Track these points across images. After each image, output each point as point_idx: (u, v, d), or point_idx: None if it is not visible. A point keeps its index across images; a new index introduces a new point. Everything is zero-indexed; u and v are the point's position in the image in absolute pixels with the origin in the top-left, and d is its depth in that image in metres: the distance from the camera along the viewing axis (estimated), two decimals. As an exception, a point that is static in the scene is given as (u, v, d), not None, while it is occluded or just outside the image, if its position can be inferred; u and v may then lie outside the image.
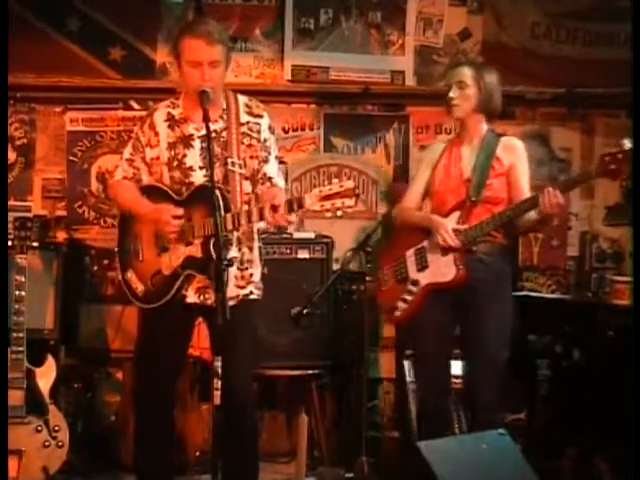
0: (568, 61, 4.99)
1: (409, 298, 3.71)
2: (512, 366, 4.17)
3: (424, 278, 3.68)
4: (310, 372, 4.45)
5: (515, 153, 3.70)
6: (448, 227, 3.59)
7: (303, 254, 4.51)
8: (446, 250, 3.61)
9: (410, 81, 4.97)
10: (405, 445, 4.25)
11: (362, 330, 4.25)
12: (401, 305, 3.73)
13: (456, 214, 3.62)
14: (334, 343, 4.46)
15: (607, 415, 3.90)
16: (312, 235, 4.58)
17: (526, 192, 3.63)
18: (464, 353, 3.74)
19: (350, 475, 4.21)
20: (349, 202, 3.00)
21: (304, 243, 4.52)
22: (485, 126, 3.73)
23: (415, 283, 3.70)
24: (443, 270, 3.62)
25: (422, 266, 3.70)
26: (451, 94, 3.68)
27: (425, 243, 3.69)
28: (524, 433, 4.19)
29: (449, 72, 3.82)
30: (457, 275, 3.59)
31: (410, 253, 3.75)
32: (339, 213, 3.03)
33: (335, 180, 3.05)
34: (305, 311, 4.09)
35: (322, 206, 3.01)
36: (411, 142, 4.97)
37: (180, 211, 3.26)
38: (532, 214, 3.51)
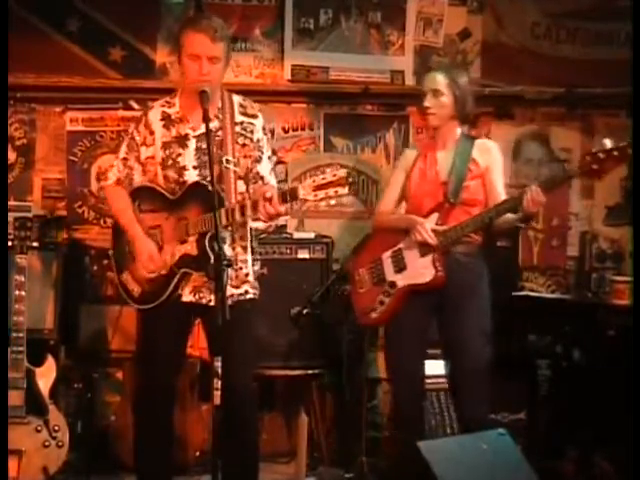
0: (568, 61, 4.99)
1: (386, 300, 3.71)
2: (512, 366, 4.18)
3: (402, 280, 3.69)
4: (310, 372, 4.45)
5: (490, 155, 3.71)
6: (426, 225, 3.60)
7: (303, 254, 4.51)
8: (424, 251, 3.62)
9: (410, 81, 4.96)
10: (405, 445, 4.24)
11: (362, 330, 4.25)
12: (378, 307, 3.73)
13: (435, 216, 3.63)
14: (334, 343, 4.46)
15: (607, 415, 3.90)
16: (312, 235, 4.59)
17: (501, 193, 3.65)
18: (445, 354, 3.74)
19: (350, 475, 4.21)
20: (342, 191, 2.99)
21: (304, 243, 4.52)
22: (459, 130, 3.74)
23: (392, 285, 3.70)
24: (421, 271, 3.63)
25: (400, 267, 3.70)
26: (427, 103, 3.68)
27: (402, 244, 3.70)
28: (524, 433, 4.19)
29: (423, 78, 3.79)
30: (435, 276, 3.60)
31: (387, 255, 3.74)
32: (332, 202, 3.02)
33: (328, 170, 3.05)
34: (305, 311, 4.09)
35: (315, 196, 3.00)
36: (411, 142, 4.96)
37: (158, 263, 3.29)
38: (510, 214, 3.52)
